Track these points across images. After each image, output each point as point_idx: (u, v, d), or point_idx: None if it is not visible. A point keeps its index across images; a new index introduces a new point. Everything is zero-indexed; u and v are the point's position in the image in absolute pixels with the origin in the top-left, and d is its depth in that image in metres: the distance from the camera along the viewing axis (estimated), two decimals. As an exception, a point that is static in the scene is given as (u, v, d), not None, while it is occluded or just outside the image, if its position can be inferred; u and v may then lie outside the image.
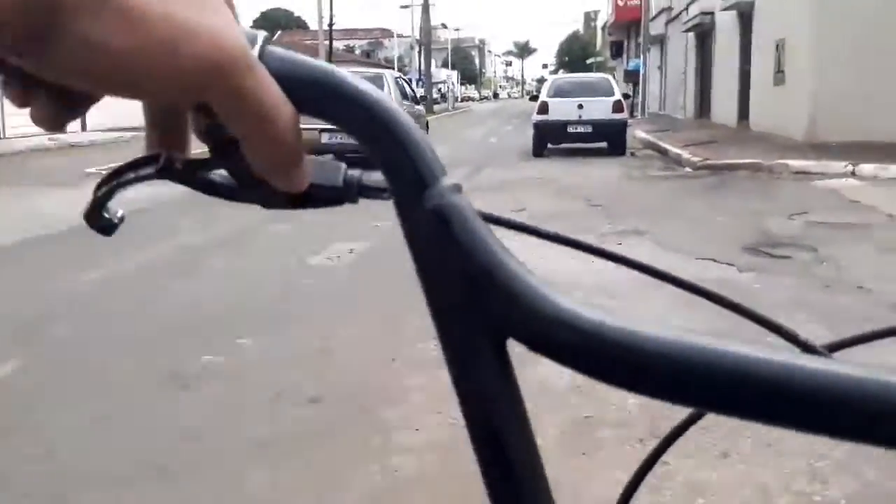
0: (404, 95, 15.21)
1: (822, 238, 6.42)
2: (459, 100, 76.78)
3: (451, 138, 19.97)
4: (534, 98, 16.38)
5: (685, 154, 12.61)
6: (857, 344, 0.40)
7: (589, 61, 65.05)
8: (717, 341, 0.29)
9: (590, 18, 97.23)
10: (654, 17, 29.96)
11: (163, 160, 0.35)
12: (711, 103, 21.13)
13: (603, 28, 57.45)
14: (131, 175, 0.35)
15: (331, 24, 48.61)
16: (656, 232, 6.86)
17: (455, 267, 0.33)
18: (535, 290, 0.31)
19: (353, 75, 0.34)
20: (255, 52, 0.31)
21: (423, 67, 38.26)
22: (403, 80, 17.56)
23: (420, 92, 23.89)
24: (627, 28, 40.35)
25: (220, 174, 0.36)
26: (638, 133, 18.06)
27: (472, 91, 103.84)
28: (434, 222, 0.33)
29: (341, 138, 11.83)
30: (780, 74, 14.61)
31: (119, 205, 0.37)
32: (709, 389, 0.29)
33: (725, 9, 18.24)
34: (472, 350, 0.33)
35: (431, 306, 0.34)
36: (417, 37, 46.58)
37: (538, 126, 14.90)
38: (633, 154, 14.93)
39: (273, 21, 77.60)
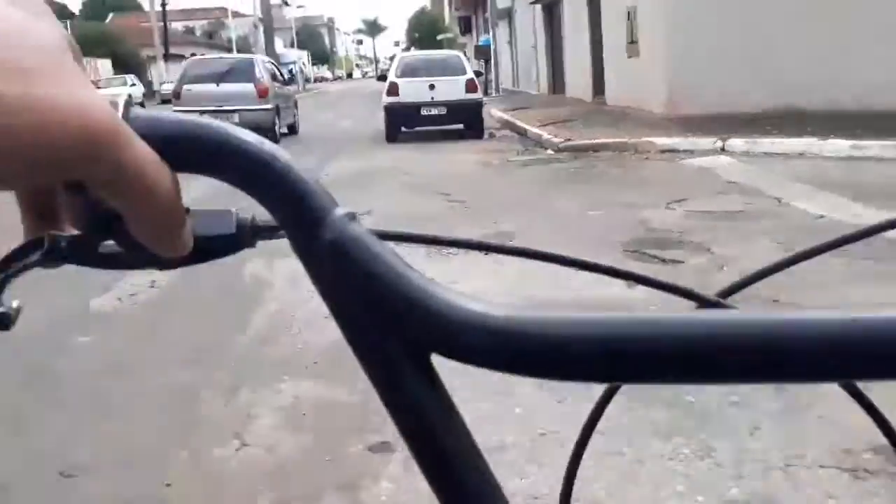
0: (273, 77, 15.14)
1: (712, 232, 5.62)
2: (312, 80, 74.42)
3: (300, 123, 18.47)
4: (382, 78, 15.18)
5: (545, 134, 11.80)
6: (747, 286, 0.41)
7: (439, 37, 64.24)
8: (620, 314, 0.30)
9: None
10: (501, -9, 29.32)
11: (47, 243, 0.34)
12: (565, 78, 20.62)
13: (450, 3, 56.75)
14: (19, 264, 0.35)
15: (164, 4, 45.57)
16: (525, 234, 5.88)
17: (363, 295, 0.32)
18: (445, 301, 0.32)
19: (224, 123, 0.34)
20: (119, 117, 0.29)
21: (266, 47, 36.25)
22: (273, 63, 17.08)
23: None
24: (474, 2, 39.71)
25: (109, 245, 0.35)
26: (494, 112, 17.22)
27: (325, 71, 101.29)
28: (333, 255, 0.33)
29: (224, 118, 14.23)
30: (633, 45, 14.06)
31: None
32: (622, 360, 0.30)
33: (574, -22, 17.64)
34: (396, 372, 0.33)
35: (347, 337, 0.34)
36: (260, 15, 44.30)
37: (389, 109, 13.74)
38: (491, 135, 14.06)
39: (104, 3, 72.42)
